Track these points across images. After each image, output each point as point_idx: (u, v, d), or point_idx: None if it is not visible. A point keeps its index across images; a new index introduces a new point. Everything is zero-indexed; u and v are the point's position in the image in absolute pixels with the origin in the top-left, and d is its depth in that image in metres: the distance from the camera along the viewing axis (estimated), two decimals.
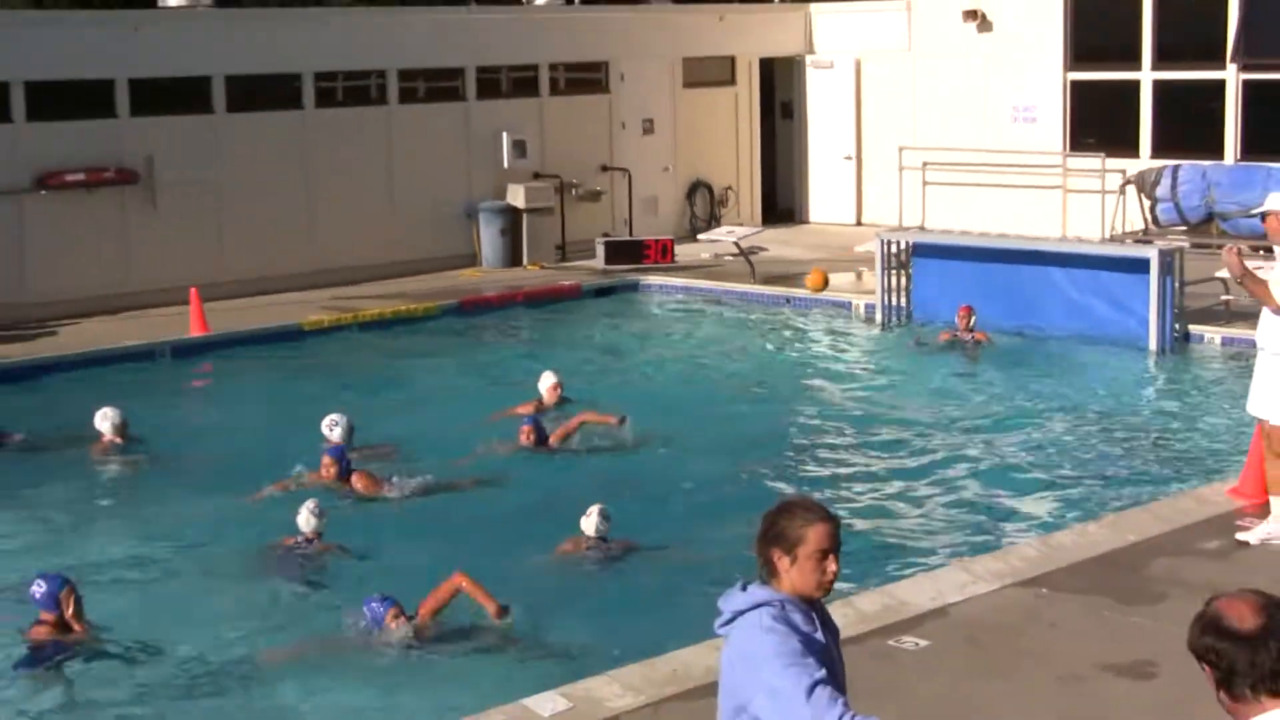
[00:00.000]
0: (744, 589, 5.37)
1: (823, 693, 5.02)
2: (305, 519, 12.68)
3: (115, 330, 21.71)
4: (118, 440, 16.14)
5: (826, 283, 17.78)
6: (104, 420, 16.11)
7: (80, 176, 22.97)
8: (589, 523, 12.51)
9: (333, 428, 15.59)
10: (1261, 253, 19.08)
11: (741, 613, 5.32)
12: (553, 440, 15.65)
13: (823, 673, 5.10)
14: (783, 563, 5.31)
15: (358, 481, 14.30)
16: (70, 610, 10.74)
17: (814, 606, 5.36)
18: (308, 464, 14.66)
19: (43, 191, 22.71)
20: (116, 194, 23.37)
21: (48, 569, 11.92)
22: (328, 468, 14.33)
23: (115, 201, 23.39)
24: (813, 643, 5.22)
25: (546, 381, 17.23)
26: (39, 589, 10.79)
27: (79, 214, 23.03)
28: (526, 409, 16.93)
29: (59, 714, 10.15)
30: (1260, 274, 11.31)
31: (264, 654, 10.82)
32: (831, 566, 5.31)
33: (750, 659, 5.19)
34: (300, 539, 12.72)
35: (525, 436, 15.48)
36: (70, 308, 22.59)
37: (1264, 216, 11.32)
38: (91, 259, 23.12)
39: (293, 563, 12.64)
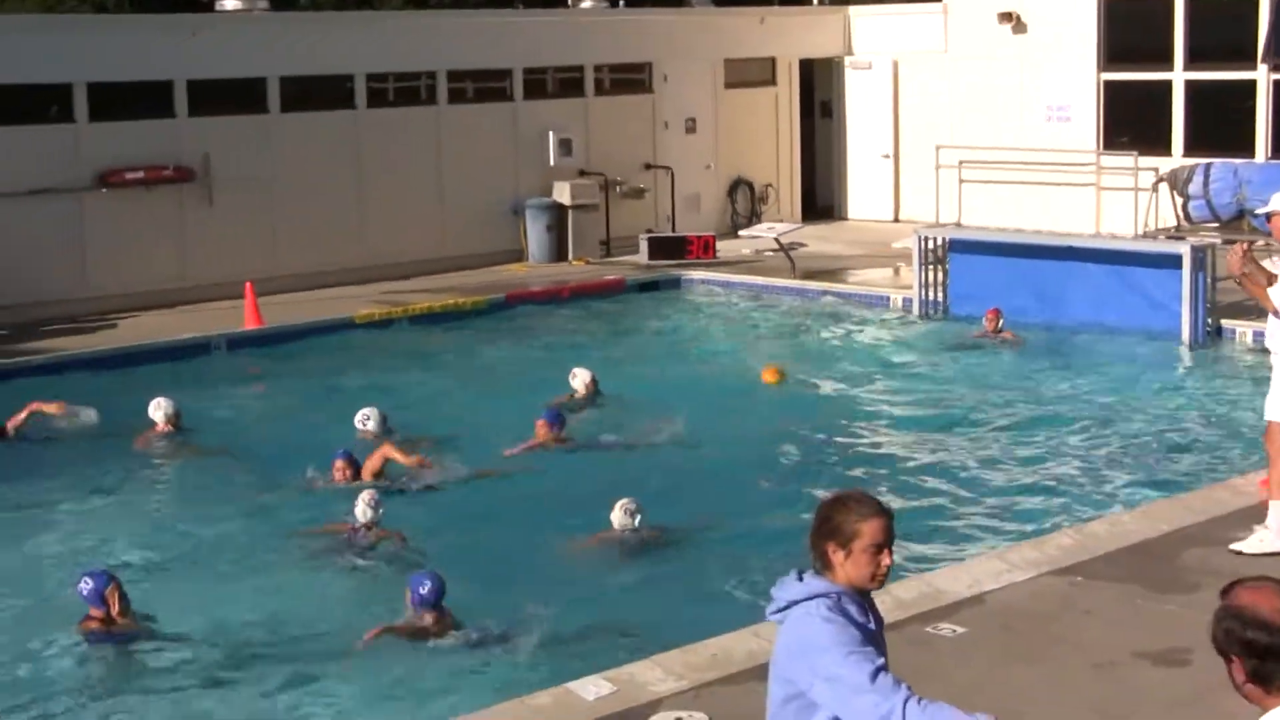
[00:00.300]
0: (800, 578, 5.39)
1: (886, 678, 5.12)
2: (362, 510, 13.01)
3: (172, 323, 22.14)
4: (170, 430, 16.55)
5: (782, 378, 18.27)
6: (157, 410, 16.54)
7: (139, 175, 23.47)
8: (616, 517, 12.82)
9: (365, 421, 16.01)
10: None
11: (797, 602, 5.35)
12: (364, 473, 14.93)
13: (883, 660, 5.19)
14: (837, 556, 5.35)
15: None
16: (116, 607, 10.94)
17: (865, 597, 5.43)
18: (319, 465, 14.95)
19: (103, 189, 23.24)
20: (174, 192, 23.89)
21: (98, 559, 12.33)
22: (341, 470, 14.63)
23: (173, 199, 23.91)
24: (867, 633, 5.29)
25: (581, 378, 17.61)
26: (85, 586, 10.98)
27: (138, 211, 23.54)
28: (563, 400, 17.36)
29: (109, 707, 10.30)
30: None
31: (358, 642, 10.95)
32: (886, 560, 5.35)
33: (809, 647, 5.25)
34: (359, 527, 13.08)
35: (543, 431, 15.68)
36: (129, 302, 23.10)
37: (1269, 217, 11.27)
38: (150, 254, 23.64)
39: (350, 551, 12.96)
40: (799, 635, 5.30)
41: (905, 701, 5.08)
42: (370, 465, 14.78)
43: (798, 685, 5.32)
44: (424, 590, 10.95)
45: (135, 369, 19.82)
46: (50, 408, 16.97)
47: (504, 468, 15.26)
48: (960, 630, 9.87)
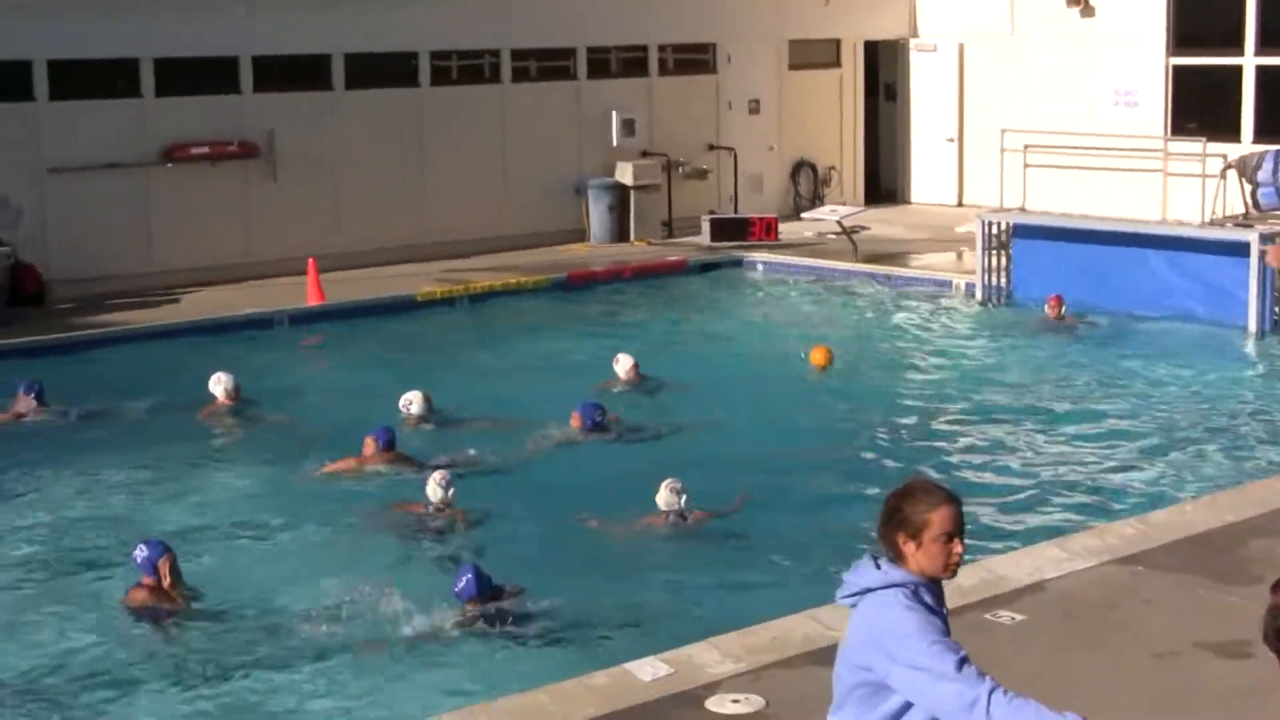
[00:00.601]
0: (877, 566, 5.39)
1: (970, 668, 5.10)
2: (433, 489, 13.05)
3: (235, 299, 22.31)
4: (230, 404, 16.68)
5: (830, 361, 18.06)
6: (217, 384, 16.66)
7: (204, 150, 23.62)
8: (662, 496, 12.81)
9: (409, 406, 16.06)
10: None
11: (872, 589, 5.35)
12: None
13: (965, 650, 5.18)
14: (908, 547, 5.33)
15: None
16: (168, 580, 11.04)
17: (937, 586, 5.42)
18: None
19: (169, 164, 23.39)
20: (239, 167, 24.03)
21: (154, 532, 12.36)
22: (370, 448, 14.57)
23: (237, 174, 24.05)
24: (944, 622, 5.32)
25: (624, 364, 17.59)
26: (140, 553, 11.10)
27: (203, 186, 23.69)
28: (606, 385, 17.43)
29: (151, 677, 10.33)
30: None
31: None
32: (957, 548, 5.33)
33: (889, 634, 5.24)
34: (430, 507, 13.14)
35: (575, 422, 15.55)
36: (193, 276, 23.26)
37: None
38: (214, 230, 23.79)
39: (418, 529, 13.01)
40: (876, 622, 5.29)
41: (991, 692, 5.07)
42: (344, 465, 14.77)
43: (873, 672, 5.29)
44: (460, 586, 10.91)
45: (198, 343, 19.94)
46: None
47: (549, 452, 15.27)
48: (1020, 618, 9.84)
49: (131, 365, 19.18)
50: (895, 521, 5.40)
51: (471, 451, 15.03)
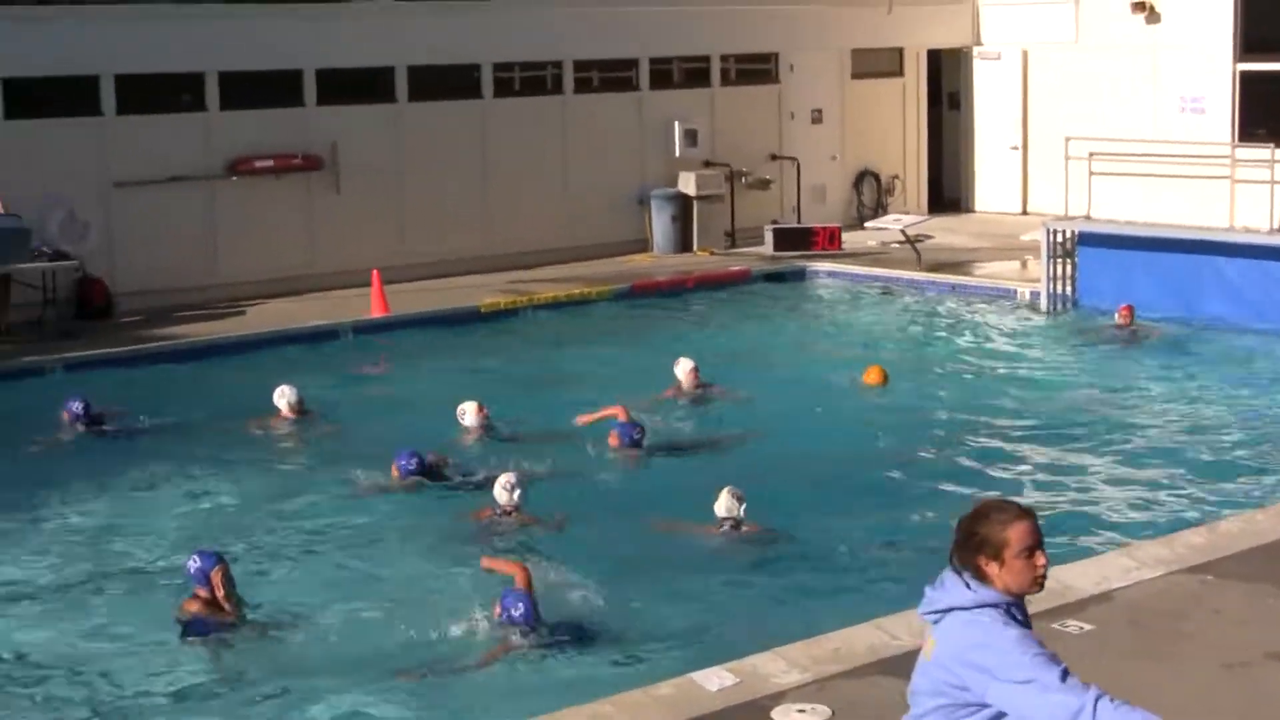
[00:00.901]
0: (968, 586, 5.34)
1: (1074, 679, 5.12)
2: (500, 492, 13.08)
3: (300, 310, 22.42)
4: (294, 416, 16.75)
5: (885, 380, 17.91)
6: (281, 397, 16.74)
7: (269, 163, 23.76)
8: (723, 502, 12.72)
9: (463, 416, 16.02)
10: None
11: (962, 609, 5.33)
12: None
13: (1065, 663, 5.20)
14: (991, 568, 5.30)
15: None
16: (221, 591, 11.01)
17: (1023, 603, 5.38)
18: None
19: (233, 177, 23.54)
20: (303, 180, 24.15)
21: (213, 542, 12.43)
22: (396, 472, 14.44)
23: (301, 187, 24.17)
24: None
25: (684, 367, 17.55)
26: (193, 564, 11.09)
27: (267, 199, 23.83)
28: (668, 394, 17.42)
29: (202, 689, 10.33)
30: None
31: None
32: (1040, 561, 5.30)
33: (988, 652, 5.21)
34: (497, 511, 13.14)
35: (613, 440, 15.43)
36: (258, 288, 23.39)
37: None
38: (278, 242, 23.91)
39: (488, 535, 13.02)
40: (969, 641, 5.26)
41: (1096, 700, 5.08)
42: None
43: (969, 691, 5.28)
44: (516, 613, 10.73)
45: (263, 355, 20.04)
46: None
47: (605, 461, 15.25)
48: (1087, 627, 9.78)
49: (197, 378, 19.30)
50: (974, 545, 5.38)
51: (524, 463, 14.93)
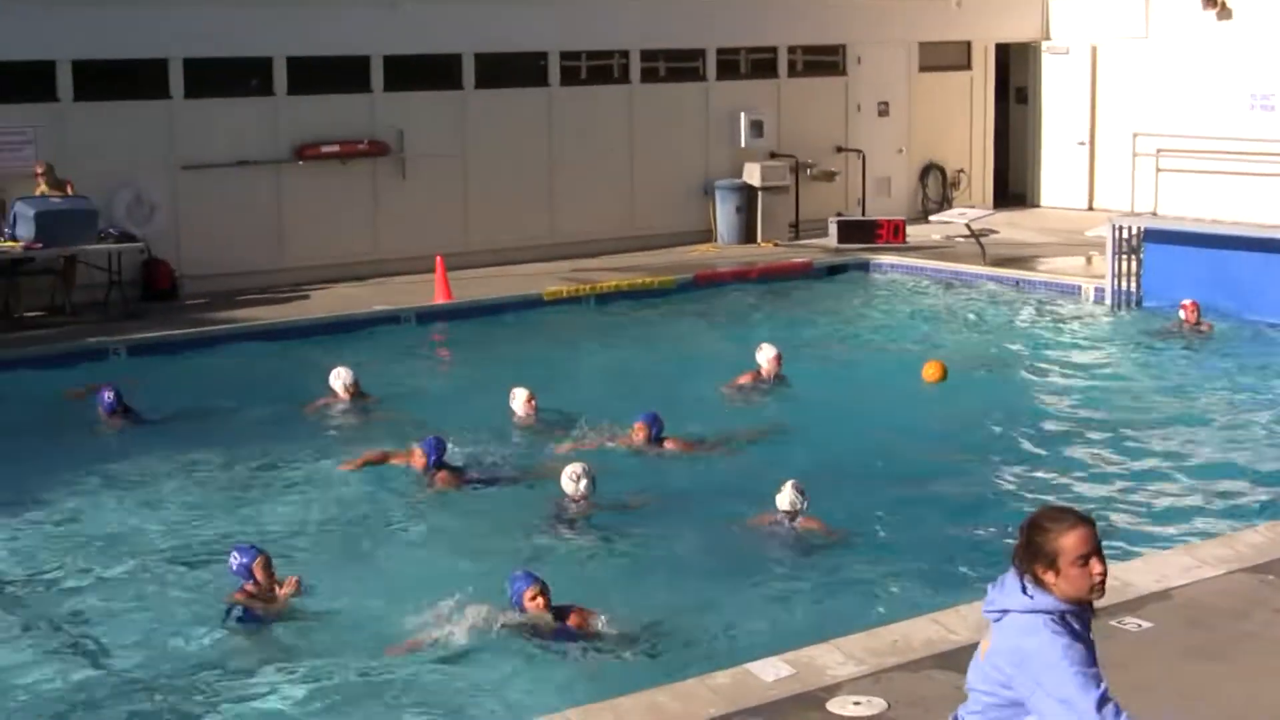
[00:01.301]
0: (1026, 592, 5.37)
1: (1109, 707, 5.16)
2: (567, 482, 13.11)
3: (364, 296, 22.51)
4: (348, 398, 16.83)
5: (944, 375, 17.66)
6: (336, 379, 16.84)
7: (335, 149, 23.86)
8: (785, 497, 12.64)
9: (514, 400, 16.05)
10: None
11: (1016, 612, 5.37)
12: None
13: (1106, 683, 5.23)
14: (1049, 576, 5.33)
15: (440, 479, 14.13)
16: (266, 583, 11.05)
17: (1086, 611, 5.41)
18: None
19: (300, 162, 23.65)
20: (368, 165, 24.25)
21: (265, 528, 12.60)
22: (418, 457, 14.25)
23: (367, 173, 24.27)
24: (1090, 648, 5.32)
25: (767, 353, 17.53)
26: (235, 561, 11.12)
27: (332, 184, 23.93)
28: (746, 379, 17.42)
29: (248, 678, 10.32)
30: None
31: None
32: (1096, 568, 5.30)
33: (1035, 659, 5.27)
34: (565, 500, 13.17)
35: (638, 434, 15.19)
36: (322, 273, 23.51)
37: None
38: (343, 228, 24.02)
39: (555, 523, 13.03)
40: (1022, 645, 5.30)
41: None
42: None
43: (1013, 690, 5.34)
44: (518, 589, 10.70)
45: (326, 340, 20.10)
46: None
47: (664, 454, 15.18)
48: (1146, 625, 9.73)
49: (261, 361, 19.41)
50: (1030, 554, 5.39)
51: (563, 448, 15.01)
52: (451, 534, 13.20)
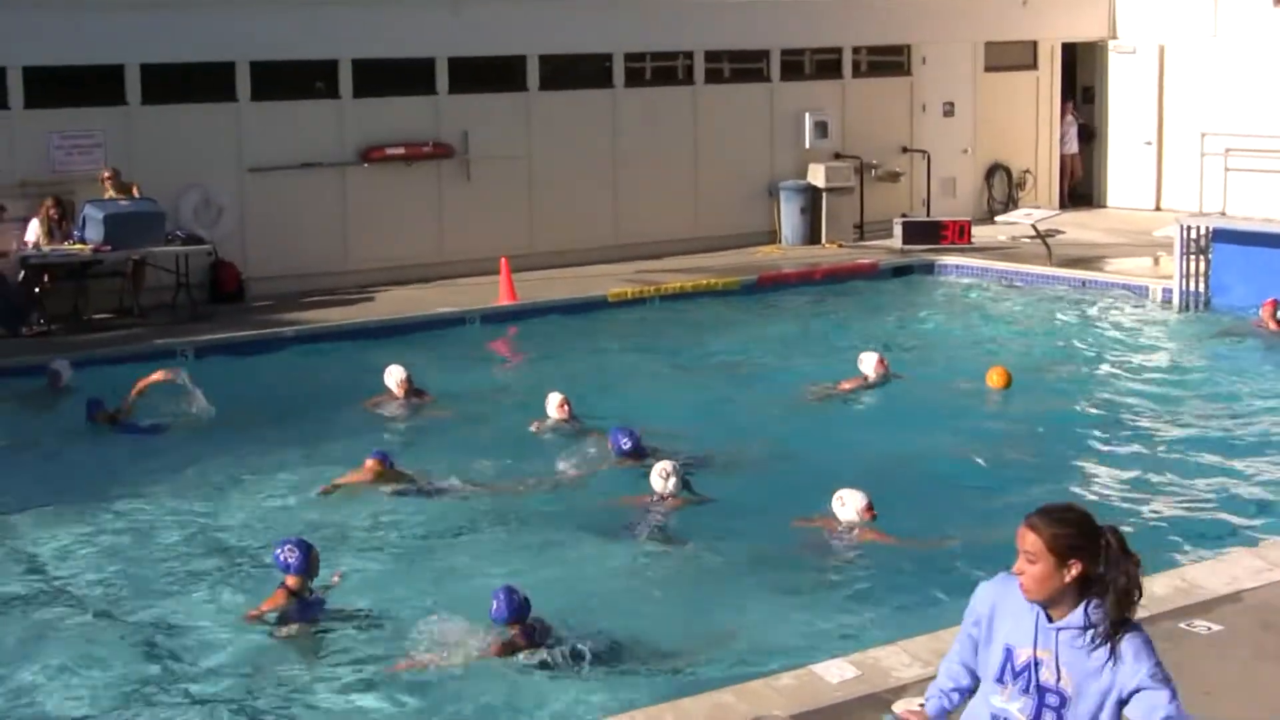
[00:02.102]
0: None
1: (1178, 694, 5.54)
2: (656, 480, 13.17)
3: (428, 297, 22.57)
4: (401, 395, 16.91)
5: (1009, 382, 17.54)
6: (390, 377, 16.87)
7: (400, 151, 23.93)
8: (849, 508, 12.46)
9: (550, 403, 15.85)
10: None
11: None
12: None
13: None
14: None
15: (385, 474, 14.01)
16: (308, 577, 10.99)
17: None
18: None
19: (365, 165, 23.73)
20: (433, 168, 24.31)
21: (318, 525, 12.60)
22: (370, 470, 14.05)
23: (432, 175, 24.33)
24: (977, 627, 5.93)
25: (870, 360, 17.44)
26: (286, 556, 10.99)
27: (398, 186, 24.00)
28: (851, 385, 17.38)
29: (281, 687, 10.22)
30: None
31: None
32: (1015, 566, 5.68)
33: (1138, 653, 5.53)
34: (654, 497, 13.17)
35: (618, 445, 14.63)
36: (387, 275, 23.56)
37: None
38: (408, 229, 24.08)
39: (645, 520, 13.03)
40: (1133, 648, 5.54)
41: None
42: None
43: (1120, 689, 5.54)
44: (494, 609, 10.34)
45: (392, 342, 20.14)
46: (157, 375, 16.66)
47: (737, 454, 15.21)
48: (1216, 627, 9.66)
49: (321, 362, 19.48)
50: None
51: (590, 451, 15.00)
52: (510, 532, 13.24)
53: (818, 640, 10.46)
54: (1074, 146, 30.81)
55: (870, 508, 12.45)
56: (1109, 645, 5.49)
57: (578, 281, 23.65)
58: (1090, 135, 30.92)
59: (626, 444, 14.51)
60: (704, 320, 21.96)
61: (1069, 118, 30.60)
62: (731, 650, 10.55)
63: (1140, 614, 9.56)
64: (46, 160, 21.43)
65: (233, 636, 10.92)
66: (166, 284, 21.51)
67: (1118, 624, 5.49)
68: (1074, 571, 5.52)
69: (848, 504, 12.54)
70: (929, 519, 13.20)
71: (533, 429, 15.87)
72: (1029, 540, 5.57)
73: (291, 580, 10.98)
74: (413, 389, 17.05)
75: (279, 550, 11.10)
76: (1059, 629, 5.58)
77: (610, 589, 11.74)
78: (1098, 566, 5.50)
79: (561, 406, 15.89)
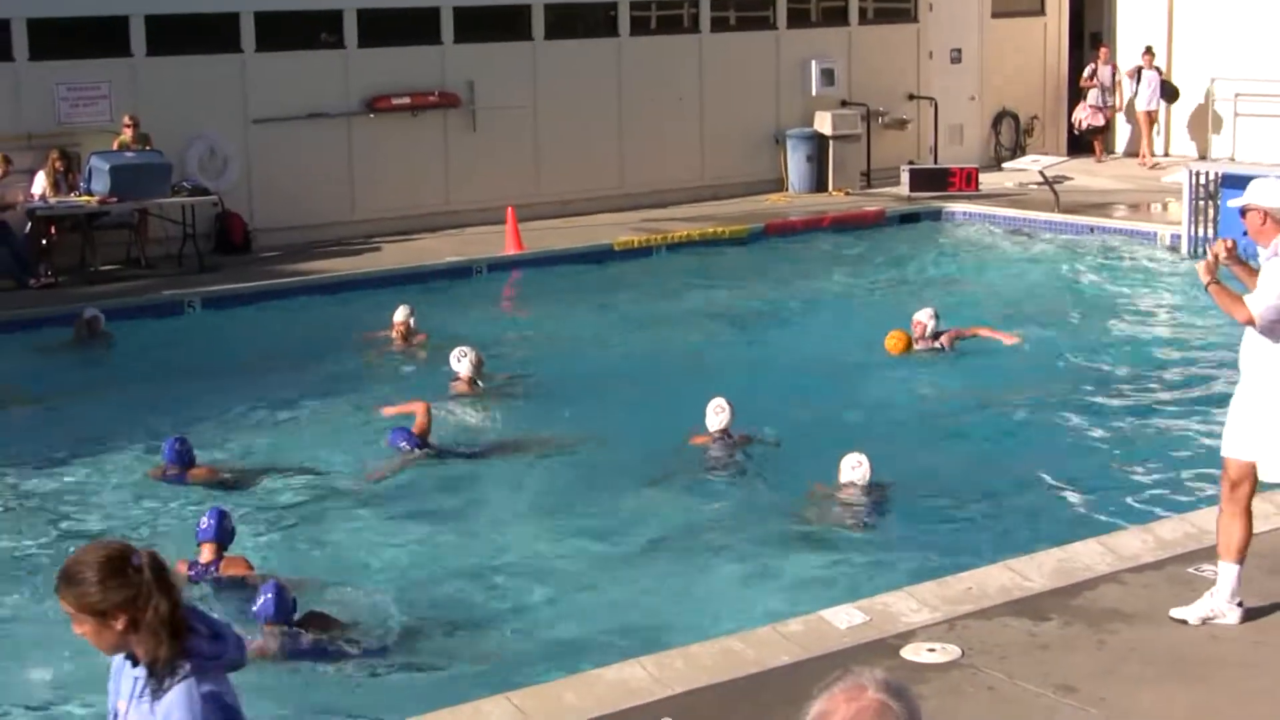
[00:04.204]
0: None
1: None
2: (711, 418, 13.30)
3: (435, 247, 22.57)
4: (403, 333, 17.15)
5: (909, 347, 16.82)
6: (458, 361, 15.75)
7: (405, 100, 23.86)
8: (843, 476, 12.32)
9: (460, 359, 15.41)
10: None
11: None
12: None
13: None
14: None
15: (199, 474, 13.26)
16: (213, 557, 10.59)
17: None
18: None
19: (370, 115, 23.67)
20: (439, 117, 24.25)
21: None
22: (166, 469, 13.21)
23: (437, 124, 24.27)
24: None
25: (922, 314, 16.84)
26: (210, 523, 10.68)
27: (403, 136, 23.93)
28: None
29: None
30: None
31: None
32: None
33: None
34: (714, 435, 13.29)
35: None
36: (394, 225, 23.55)
37: (1243, 211, 8.96)
38: (414, 179, 24.03)
39: (703, 461, 13.21)
40: None
41: None
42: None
43: None
44: (259, 605, 9.77)
45: (399, 291, 20.08)
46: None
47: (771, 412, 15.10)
48: None
49: (331, 311, 19.49)
50: None
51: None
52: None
53: (827, 586, 10.48)
54: (1153, 103, 29.15)
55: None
56: (160, 694, 4.59)
57: (584, 230, 23.62)
58: (1174, 93, 29.32)
59: (404, 441, 13.59)
60: (711, 268, 21.93)
61: (1148, 71, 29.06)
62: (739, 595, 10.60)
63: (1147, 558, 9.71)
64: (52, 112, 21.39)
65: None
66: (173, 235, 21.50)
67: (164, 667, 4.60)
68: (119, 624, 4.61)
69: (841, 469, 12.36)
70: (937, 462, 13.26)
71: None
72: (65, 607, 4.65)
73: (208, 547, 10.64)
74: (410, 330, 17.21)
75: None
76: (136, 677, 4.71)
77: (611, 544, 11.81)
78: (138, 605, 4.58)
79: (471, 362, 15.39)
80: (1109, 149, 30.44)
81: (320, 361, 17.12)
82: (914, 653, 8.63)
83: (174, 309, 19.31)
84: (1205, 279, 8.87)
